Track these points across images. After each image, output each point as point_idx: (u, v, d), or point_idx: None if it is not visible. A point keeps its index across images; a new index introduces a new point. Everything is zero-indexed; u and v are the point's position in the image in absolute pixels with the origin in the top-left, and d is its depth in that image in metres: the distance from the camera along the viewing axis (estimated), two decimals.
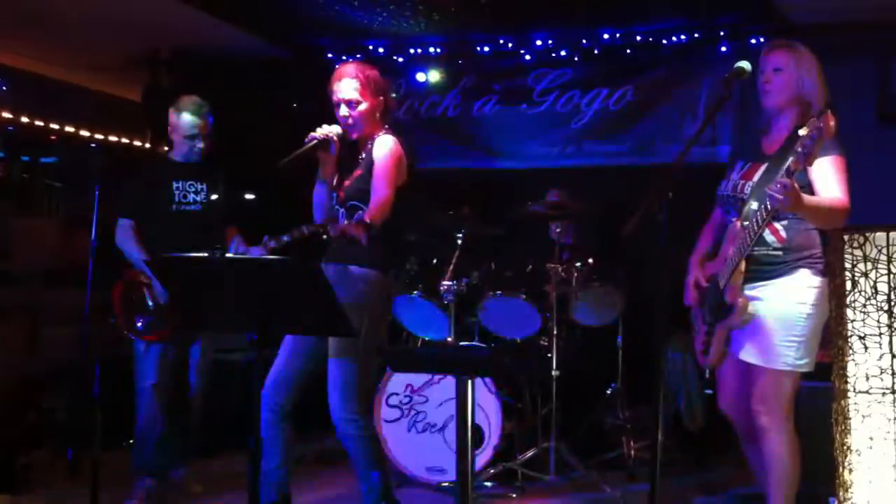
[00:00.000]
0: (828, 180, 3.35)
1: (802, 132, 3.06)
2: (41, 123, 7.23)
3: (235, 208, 4.74)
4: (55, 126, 7.30)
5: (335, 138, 3.77)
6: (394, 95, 4.01)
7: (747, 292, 3.46)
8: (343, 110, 3.79)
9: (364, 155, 3.84)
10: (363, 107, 3.79)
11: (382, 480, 3.79)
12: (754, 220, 3.33)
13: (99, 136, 7.37)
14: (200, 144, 4.61)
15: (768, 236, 3.44)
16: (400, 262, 5.11)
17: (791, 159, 3.08)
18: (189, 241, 4.13)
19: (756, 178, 3.48)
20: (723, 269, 3.50)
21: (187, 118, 4.58)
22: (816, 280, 3.46)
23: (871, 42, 5.74)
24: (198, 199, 4.62)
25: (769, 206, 3.20)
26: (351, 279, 3.70)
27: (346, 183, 3.83)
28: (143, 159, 6.69)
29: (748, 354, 3.48)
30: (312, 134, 3.75)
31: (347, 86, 3.78)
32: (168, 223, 4.55)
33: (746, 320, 3.44)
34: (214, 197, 4.64)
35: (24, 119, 7.10)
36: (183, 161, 4.65)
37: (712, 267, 3.61)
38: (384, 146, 3.77)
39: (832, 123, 3.01)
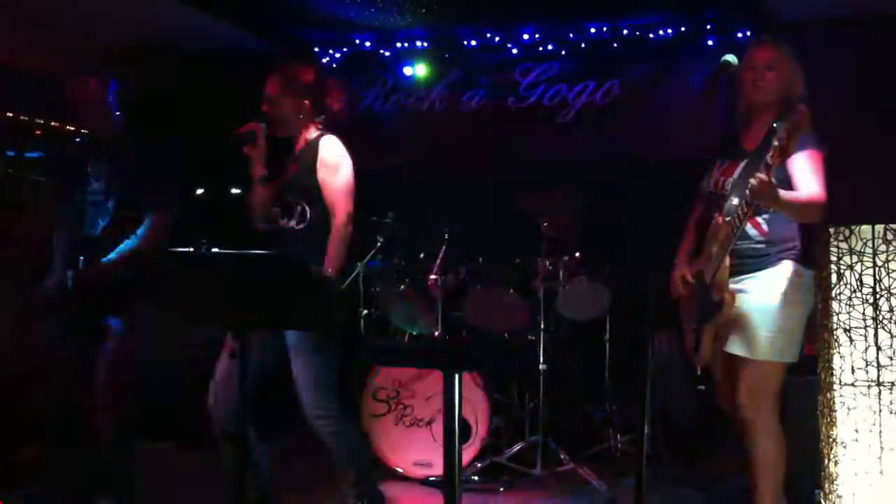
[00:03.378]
0: (805, 175, 3.35)
1: (778, 126, 3.08)
2: (25, 118, 7.19)
3: (150, 194, 4.06)
4: (40, 121, 7.26)
5: (259, 133, 3.82)
6: (340, 98, 4.03)
7: (732, 286, 3.46)
8: (265, 107, 3.86)
9: (298, 153, 3.87)
10: (280, 106, 3.84)
11: (364, 474, 3.78)
12: (735, 215, 3.34)
13: (84, 131, 7.33)
14: (95, 115, 4.13)
15: (750, 230, 3.46)
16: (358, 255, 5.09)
17: (769, 154, 3.10)
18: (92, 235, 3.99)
19: (736, 174, 3.51)
20: (707, 265, 3.51)
21: (79, 87, 4.12)
22: (798, 270, 3.47)
23: (854, 35, 5.76)
24: (98, 187, 4.09)
25: (748, 200, 3.22)
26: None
27: (281, 179, 3.86)
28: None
29: (733, 346, 3.50)
30: (234, 131, 3.83)
31: (270, 83, 3.85)
32: (83, 216, 4.11)
33: (733, 315, 3.45)
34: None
35: (9, 114, 7.05)
36: (91, 143, 4.20)
37: (697, 264, 3.63)
38: (328, 151, 3.80)
39: (807, 117, 3.03)
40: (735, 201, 3.40)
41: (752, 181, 3.14)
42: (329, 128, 3.94)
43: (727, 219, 3.42)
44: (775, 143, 3.07)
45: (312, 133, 3.90)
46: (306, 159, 3.82)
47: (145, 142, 4.10)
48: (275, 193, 3.84)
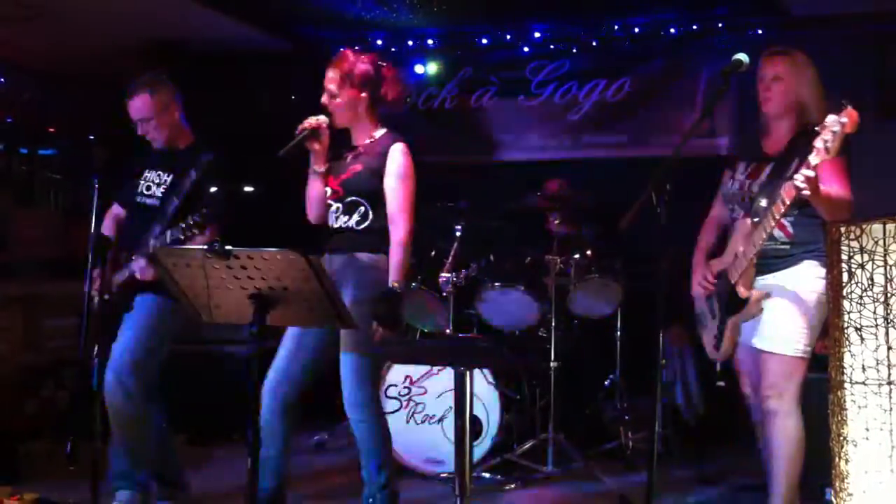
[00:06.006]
0: (834, 177, 3.44)
1: (824, 126, 3.12)
2: (40, 115, 7.23)
3: (211, 203, 3.96)
4: (54, 118, 7.30)
5: (324, 126, 3.77)
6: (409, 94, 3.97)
7: (757, 284, 3.57)
8: (324, 98, 3.80)
9: (361, 150, 3.82)
10: (339, 100, 3.77)
11: (385, 470, 3.80)
12: (767, 216, 3.42)
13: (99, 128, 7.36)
14: (145, 128, 4.15)
15: (776, 231, 3.55)
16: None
17: (813, 152, 3.15)
18: (138, 235, 3.97)
19: (762, 176, 3.61)
20: (733, 264, 3.60)
21: (128, 102, 4.14)
22: (822, 271, 3.54)
23: (869, 33, 5.75)
24: (158, 191, 4.14)
25: (791, 193, 3.26)
26: (361, 267, 3.72)
27: (344, 176, 3.80)
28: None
29: (760, 341, 3.59)
30: (301, 125, 3.75)
31: (330, 75, 3.78)
32: (132, 215, 4.23)
33: (758, 311, 3.56)
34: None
35: (23, 111, 7.09)
36: (158, 149, 4.24)
37: (719, 263, 3.72)
38: (399, 161, 3.73)
39: (855, 118, 3.09)
40: (763, 203, 3.49)
41: (798, 179, 3.19)
42: (389, 122, 3.89)
43: (755, 219, 3.50)
44: (819, 143, 3.13)
45: (377, 130, 3.85)
46: (372, 161, 3.76)
47: (208, 159, 4.05)
48: (336, 189, 3.81)
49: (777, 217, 3.40)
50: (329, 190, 3.83)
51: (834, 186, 3.43)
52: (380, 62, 3.87)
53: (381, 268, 3.70)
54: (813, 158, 3.17)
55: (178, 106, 4.23)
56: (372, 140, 3.83)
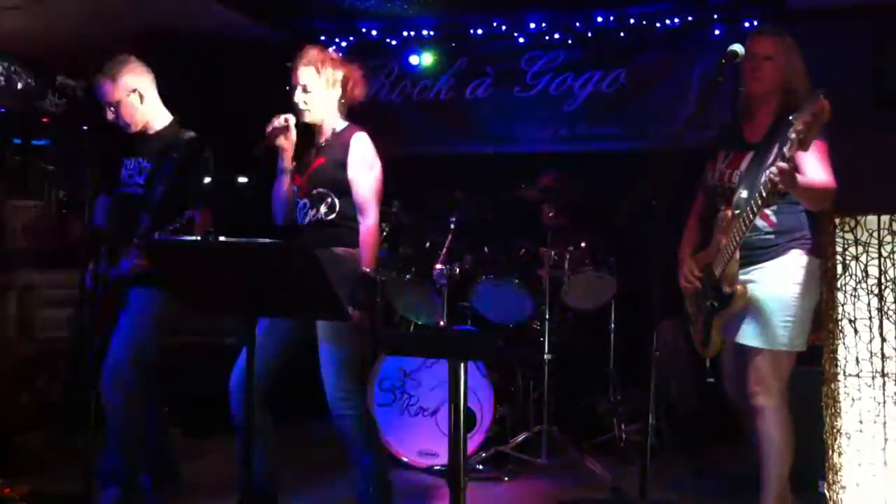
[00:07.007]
0: (814, 164, 3.35)
1: (797, 117, 3.05)
2: (33, 105, 7.19)
3: (195, 191, 3.94)
4: (47, 108, 7.26)
5: (291, 124, 3.83)
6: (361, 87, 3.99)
7: (742, 277, 3.49)
8: (298, 95, 3.84)
9: (324, 143, 3.87)
10: (313, 95, 3.82)
11: (377, 461, 3.80)
12: (747, 208, 3.34)
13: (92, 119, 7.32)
14: (110, 115, 4.11)
15: (759, 221, 3.45)
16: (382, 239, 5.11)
17: (788, 144, 3.09)
18: (126, 226, 3.95)
19: (743, 166, 3.52)
20: (716, 258, 3.52)
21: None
22: (807, 260, 3.49)
23: (866, 25, 5.73)
24: (140, 179, 4.07)
25: (767, 186, 3.20)
26: (338, 260, 3.72)
27: (309, 171, 3.85)
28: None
29: (745, 336, 3.51)
30: (270, 124, 3.80)
31: (303, 70, 3.83)
32: (118, 205, 4.16)
33: (744, 305, 3.48)
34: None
35: (16, 101, 7.05)
36: (131, 133, 4.16)
37: (704, 257, 3.64)
38: (362, 150, 3.79)
39: (827, 107, 3.01)
40: (744, 194, 3.41)
41: (773, 172, 3.14)
42: (352, 117, 3.94)
43: (736, 212, 3.42)
44: (792, 135, 3.05)
45: (339, 124, 3.89)
46: (335, 153, 3.80)
47: (188, 139, 4.03)
48: (302, 185, 3.84)
49: (756, 210, 3.31)
50: (296, 188, 3.87)
51: (813, 175, 3.33)
52: (349, 61, 3.95)
53: (357, 260, 3.73)
54: (787, 150, 3.09)
55: (147, 89, 4.17)
56: (334, 133, 3.87)
